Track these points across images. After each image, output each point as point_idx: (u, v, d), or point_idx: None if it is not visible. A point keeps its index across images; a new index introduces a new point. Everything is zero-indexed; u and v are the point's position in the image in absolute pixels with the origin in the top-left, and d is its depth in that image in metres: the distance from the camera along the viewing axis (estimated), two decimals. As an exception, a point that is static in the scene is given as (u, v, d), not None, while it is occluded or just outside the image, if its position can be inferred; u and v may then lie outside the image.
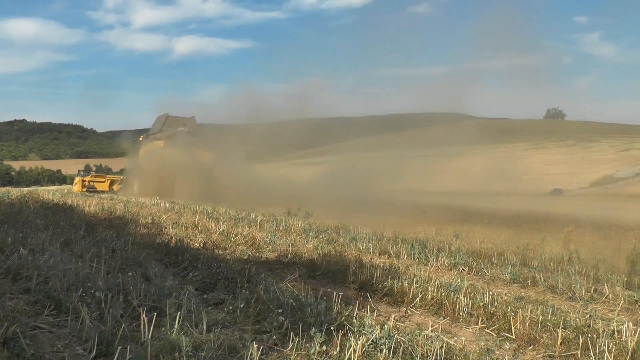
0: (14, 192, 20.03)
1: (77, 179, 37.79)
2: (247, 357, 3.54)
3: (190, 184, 28.29)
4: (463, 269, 8.07)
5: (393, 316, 4.97)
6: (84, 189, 33.66)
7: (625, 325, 4.69)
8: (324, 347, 3.82)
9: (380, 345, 3.95)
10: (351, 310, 4.76)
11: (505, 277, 7.48)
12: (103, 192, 32.04)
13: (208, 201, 19.93)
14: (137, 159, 37.97)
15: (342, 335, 3.96)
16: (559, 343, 4.41)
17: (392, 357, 3.84)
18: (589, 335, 4.53)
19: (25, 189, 31.51)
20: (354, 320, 4.38)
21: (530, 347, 4.50)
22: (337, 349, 3.84)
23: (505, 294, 6.24)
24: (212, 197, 23.08)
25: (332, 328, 4.11)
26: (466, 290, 5.98)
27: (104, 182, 37.09)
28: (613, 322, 4.99)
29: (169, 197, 21.54)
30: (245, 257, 7.73)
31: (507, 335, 4.70)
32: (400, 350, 3.96)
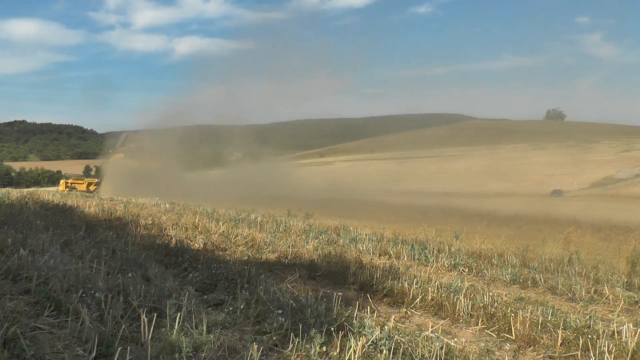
0: (14, 193, 19.98)
1: (62, 181, 52.66)
2: (247, 358, 3.54)
3: (141, 185, 42.13)
4: (463, 270, 8.07)
5: (393, 317, 4.97)
6: (67, 189, 44.65)
7: (626, 326, 4.69)
8: (324, 348, 3.82)
9: (381, 346, 3.95)
10: (351, 311, 4.76)
11: (505, 278, 7.48)
12: (82, 191, 41.67)
13: (155, 196, 26.53)
14: (108, 167, 56.82)
15: (342, 336, 3.96)
16: (559, 344, 4.41)
17: (392, 358, 3.83)
18: (589, 336, 4.53)
19: (25, 190, 31.64)
20: (354, 321, 4.37)
21: (530, 348, 4.50)
22: (337, 350, 3.84)
23: (506, 295, 6.24)
24: (158, 193, 31.26)
25: (332, 329, 4.10)
26: (466, 291, 5.98)
27: (82, 184, 49.59)
28: (613, 323, 4.99)
29: (129, 195, 28.16)
30: (246, 258, 7.72)
31: (507, 336, 4.70)
32: (401, 351, 3.95)
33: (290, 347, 3.85)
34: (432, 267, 8.17)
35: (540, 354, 4.37)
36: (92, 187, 48.33)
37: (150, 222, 11.20)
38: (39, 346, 3.45)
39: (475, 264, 8.32)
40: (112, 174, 53.68)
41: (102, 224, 10.09)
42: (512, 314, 5.01)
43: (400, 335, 4.18)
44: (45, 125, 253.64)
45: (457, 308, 5.36)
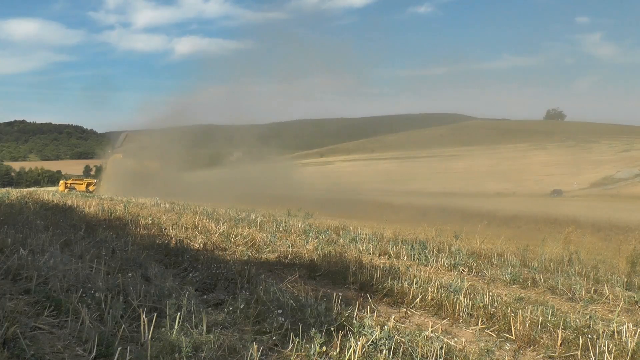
0: (14, 192, 19.98)
1: (61, 181, 54.75)
2: (247, 357, 3.54)
3: (141, 185, 43.21)
4: (463, 270, 8.07)
5: (393, 317, 4.97)
6: (67, 190, 46.31)
7: (625, 326, 4.69)
8: (324, 348, 3.82)
9: (380, 346, 3.95)
10: (351, 311, 4.76)
11: (505, 277, 7.48)
12: (81, 191, 42.99)
13: (154, 196, 27.69)
14: (107, 167, 58.18)
15: (342, 336, 3.96)
16: (559, 344, 4.41)
17: (392, 358, 3.83)
18: (589, 336, 4.53)
19: (25, 190, 31.68)
20: (354, 321, 4.37)
21: (530, 348, 4.50)
22: (337, 350, 3.84)
23: (505, 295, 6.24)
24: (157, 193, 32.60)
25: (332, 329, 4.11)
26: (466, 291, 5.98)
27: (81, 184, 51.41)
28: (613, 323, 4.99)
29: (129, 195, 29.13)
30: (245, 258, 7.72)
31: (507, 336, 4.70)
32: (400, 351, 3.95)
33: (290, 347, 3.85)
34: (432, 267, 8.17)
35: (540, 354, 4.37)
36: (91, 187, 50.02)
37: (150, 222, 11.20)
38: (39, 346, 3.45)
39: (475, 264, 8.32)
40: (112, 174, 54.90)
41: (102, 223, 10.09)
42: (512, 314, 5.00)
43: (400, 335, 4.18)
44: (45, 125, 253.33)
45: (457, 308, 5.35)
